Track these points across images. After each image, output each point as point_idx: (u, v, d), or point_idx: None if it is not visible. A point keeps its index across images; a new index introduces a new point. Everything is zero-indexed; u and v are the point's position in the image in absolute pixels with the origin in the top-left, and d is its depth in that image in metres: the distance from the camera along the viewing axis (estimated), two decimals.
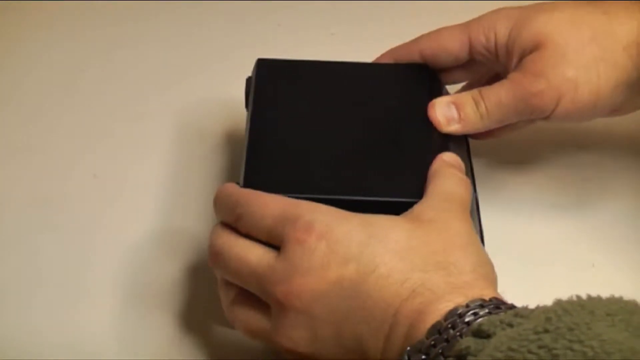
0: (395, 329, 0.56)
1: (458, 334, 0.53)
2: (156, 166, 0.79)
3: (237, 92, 0.73)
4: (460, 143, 0.70)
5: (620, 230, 0.74)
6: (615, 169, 0.78)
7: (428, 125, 0.68)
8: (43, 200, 0.76)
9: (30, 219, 0.74)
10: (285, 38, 0.90)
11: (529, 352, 0.48)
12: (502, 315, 0.52)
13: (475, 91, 0.70)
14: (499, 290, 0.57)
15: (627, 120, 0.74)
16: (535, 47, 0.69)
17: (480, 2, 0.76)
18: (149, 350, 0.67)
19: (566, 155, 0.79)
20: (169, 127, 0.82)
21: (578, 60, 0.68)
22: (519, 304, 0.54)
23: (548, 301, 0.51)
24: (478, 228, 0.66)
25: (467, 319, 0.53)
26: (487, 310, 0.54)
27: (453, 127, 0.69)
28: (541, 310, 0.51)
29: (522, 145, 0.78)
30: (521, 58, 0.69)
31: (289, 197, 0.61)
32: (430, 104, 0.69)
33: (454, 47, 0.72)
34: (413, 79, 0.72)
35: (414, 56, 0.73)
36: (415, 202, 0.62)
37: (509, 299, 0.56)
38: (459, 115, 0.69)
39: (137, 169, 0.79)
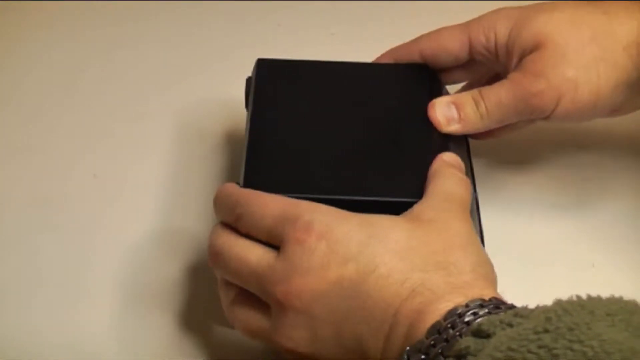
0: (395, 329, 0.56)
1: (458, 333, 0.53)
2: (156, 166, 0.78)
3: (237, 92, 0.73)
4: (460, 143, 0.70)
5: (620, 230, 0.73)
6: (615, 169, 0.78)
7: (428, 125, 0.68)
8: (43, 200, 0.76)
9: (30, 219, 0.74)
10: (285, 38, 0.89)
11: (529, 352, 0.48)
12: (502, 315, 0.52)
13: (475, 91, 0.70)
14: (499, 290, 0.57)
15: (627, 120, 0.74)
16: (535, 47, 0.69)
17: (480, 2, 0.76)
18: (149, 350, 0.67)
19: (566, 155, 0.79)
20: (169, 127, 0.82)
21: (578, 60, 0.68)
22: (519, 304, 0.54)
23: (548, 301, 0.51)
24: (478, 228, 0.65)
25: (466, 319, 0.53)
26: (486, 310, 0.54)
27: (453, 127, 0.69)
28: (541, 310, 0.51)
29: (522, 145, 0.78)
30: (521, 58, 0.69)
31: (289, 197, 0.61)
32: (430, 104, 0.69)
33: (454, 47, 0.72)
34: (413, 79, 0.72)
35: (414, 56, 0.73)
36: (415, 202, 0.62)
37: (509, 299, 0.56)
38: (459, 115, 0.69)
39: (137, 169, 0.78)
